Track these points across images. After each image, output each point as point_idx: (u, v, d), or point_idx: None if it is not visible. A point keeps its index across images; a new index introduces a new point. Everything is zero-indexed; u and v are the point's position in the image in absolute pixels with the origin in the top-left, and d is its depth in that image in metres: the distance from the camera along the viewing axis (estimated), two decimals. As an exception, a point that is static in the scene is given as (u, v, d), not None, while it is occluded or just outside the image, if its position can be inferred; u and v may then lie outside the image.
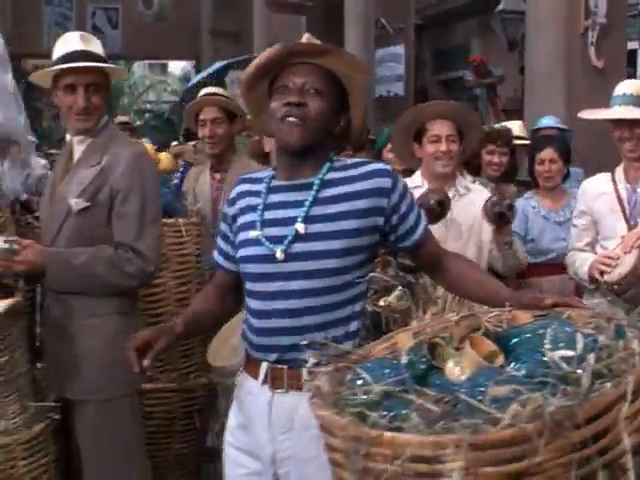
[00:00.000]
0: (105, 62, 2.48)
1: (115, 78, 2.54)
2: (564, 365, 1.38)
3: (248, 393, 1.90)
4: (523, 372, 1.39)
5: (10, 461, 2.36)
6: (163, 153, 6.71)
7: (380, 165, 1.92)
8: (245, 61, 11.76)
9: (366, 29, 10.64)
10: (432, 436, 1.20)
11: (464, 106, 3.02)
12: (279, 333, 1.83)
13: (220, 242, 2.01)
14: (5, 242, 2.35)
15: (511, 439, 1.18)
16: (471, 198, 2.89)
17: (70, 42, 2.46)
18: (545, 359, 1.42)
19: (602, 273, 2.77)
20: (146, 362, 1.80)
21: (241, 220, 1.93)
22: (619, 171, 2.94)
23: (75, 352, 2.46)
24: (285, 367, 1.83)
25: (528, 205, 3.63)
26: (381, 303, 2.37)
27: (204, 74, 11.28)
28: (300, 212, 1.83)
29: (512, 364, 1.45)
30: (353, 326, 1.86)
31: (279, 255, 1.81)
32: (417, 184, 2.90)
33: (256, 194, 1.91)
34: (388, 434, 1.23)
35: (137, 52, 18.23)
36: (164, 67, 27.77)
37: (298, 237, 1.81)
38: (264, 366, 1.86)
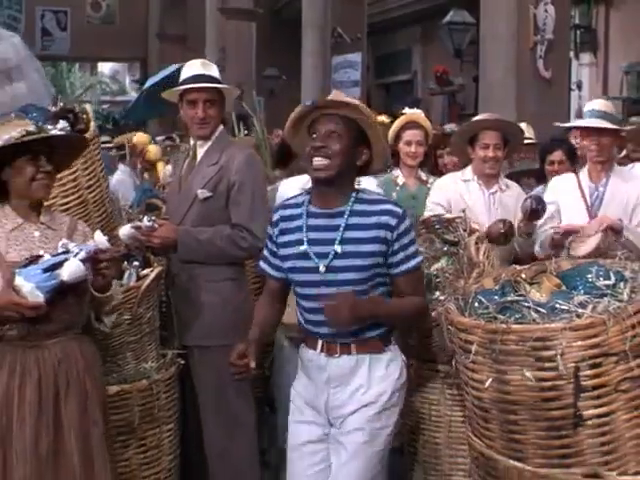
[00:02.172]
0: (220, 83, 3.19)
1: (229, 96, 3.24)
2: (605, 289, 2.21)
3: (309, 360, 2.55)
4: (583, 292, 2.21)
5: (158, 394, 3.05)
6: (152, 145, 7.34)
7: (391, 206, 2.47)
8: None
9: (323, 38, 11.42)
10: (545, 324, 2.00)
11: (508, 120, 3.77)
12: (323, 324, 2.45)
13: (269, 257, 2.59)
14: (149, 220, 3.04)
15: (592, 323, 2.01)
16: (508, 194, 3.65)
17: (194, 67, 3.18)
18: (592, 285, 2.25)
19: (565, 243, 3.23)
20: (252, 364, 2.46)
21: (285, 238, 2.50)
22: (584, 172, 3.48)
23: (199, 309, 3.15)
24: (338, 344, 2.46)
25: None
26: (435, 267, 3.16)
27: (159, 76, 11.69)
28: (337, 235, 2.42)
29: (573, 289, 2.26)
30: None
31: (322, 268, 2.42)
32: (468, 178, 3.67)
33: (297, 217, 2.49)
34: (516, 325, 2.03)
35: (85, 54, 18.55)
36: (93, 67, 27.89)
37: (335, 255, 2.42)
38: (320, 342, 2.50)
